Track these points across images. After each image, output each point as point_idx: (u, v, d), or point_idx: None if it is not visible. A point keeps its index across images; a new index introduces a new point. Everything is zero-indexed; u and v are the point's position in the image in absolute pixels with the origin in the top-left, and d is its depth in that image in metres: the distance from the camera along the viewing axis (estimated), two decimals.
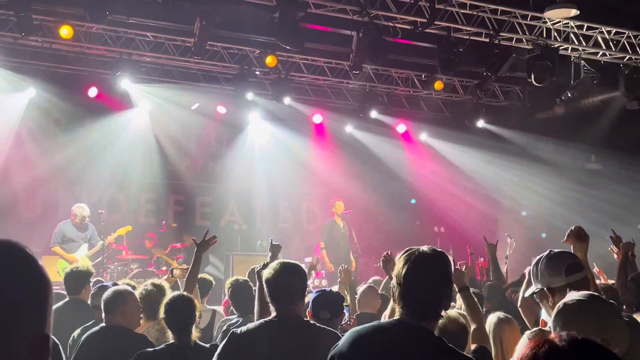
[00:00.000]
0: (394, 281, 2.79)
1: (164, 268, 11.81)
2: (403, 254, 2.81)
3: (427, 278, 2.75)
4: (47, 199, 12.83)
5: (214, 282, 6.94)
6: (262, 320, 3.76)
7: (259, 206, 14.69)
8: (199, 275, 5.70)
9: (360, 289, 6.40)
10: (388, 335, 2.73)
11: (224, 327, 5.41)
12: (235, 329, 3.75)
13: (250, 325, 3.74)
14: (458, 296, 5.62)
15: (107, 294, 4.81)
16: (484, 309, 6.76)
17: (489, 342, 4.10)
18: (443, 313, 3.87)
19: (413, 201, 14.94)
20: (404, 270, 2.73)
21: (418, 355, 2.65)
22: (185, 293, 4.51)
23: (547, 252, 3.18)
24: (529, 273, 3.18)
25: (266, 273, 3.79)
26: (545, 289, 3.04)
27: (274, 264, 3.84)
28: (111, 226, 11.58)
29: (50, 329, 1.26)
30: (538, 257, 3.15)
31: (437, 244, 12.99)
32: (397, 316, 2.77)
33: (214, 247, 5.63)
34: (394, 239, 13.84)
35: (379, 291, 6.54)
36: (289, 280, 3.75)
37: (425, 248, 2.80)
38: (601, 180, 13.13)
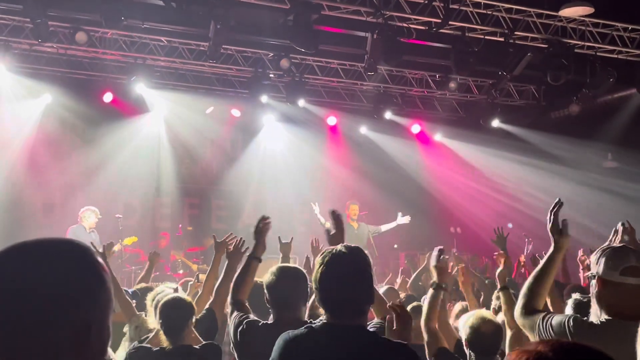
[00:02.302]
0: (312, 285, 2.80)
1: (181, 271, 11.85)
2: (319, 257, 2.81)
3: (343, 278, 2.73)
4: (64, 203, 12.89)
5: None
6: (265, 322, 3.78)
7: (275, 209, 14.68)
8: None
9: (380, 290, 6.36)
10: (320, 338, 2.72)
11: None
12: (249, 323, 3.77)
13: (259, 324, 3.76)
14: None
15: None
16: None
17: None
18: (475, 313, 3.85)
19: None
20: (319, 274, 2.74)
21: (354, 354, 2.65)
22: (181, 295, 4.43)
23: (621, 244, 3.16)
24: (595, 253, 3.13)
25: (266, 279, 3.80)
26: (597, 277, 3.00)
27: (273, 269, 3.84)
28: (127, 230, 11.61)
29: (102, 320, 1.33)
30: (608, 245, 3.11)
31: (454, 244, 12.96)
32: (322, 319, 2.78)
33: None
34: (410, 239, 13.83)
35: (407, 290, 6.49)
36: (289, 286, 3.76)
37: (339, 247, 2.79)
38: (618, 179, 13.05)
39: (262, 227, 4.34)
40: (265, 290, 3.79)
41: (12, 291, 1.24)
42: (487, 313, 3.99)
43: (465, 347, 3.93)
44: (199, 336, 4.38)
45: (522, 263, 9.85)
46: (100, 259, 1.35)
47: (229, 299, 4.09)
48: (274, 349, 2.84)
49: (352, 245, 2.84)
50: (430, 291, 4.29)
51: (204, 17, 10.02)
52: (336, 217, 3.84)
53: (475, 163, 14.82)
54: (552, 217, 3.20)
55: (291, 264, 4.60)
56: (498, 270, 4.52)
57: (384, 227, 12.26)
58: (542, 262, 3.20)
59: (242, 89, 13.15)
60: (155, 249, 12.45)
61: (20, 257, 1.29)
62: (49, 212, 12.83)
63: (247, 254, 4.80)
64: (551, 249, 3.19)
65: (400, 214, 12.17)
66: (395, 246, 13.30)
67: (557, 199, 3.22)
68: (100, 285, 1.33)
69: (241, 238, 5.00)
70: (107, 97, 12.59)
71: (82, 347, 1.28)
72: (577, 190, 13.27)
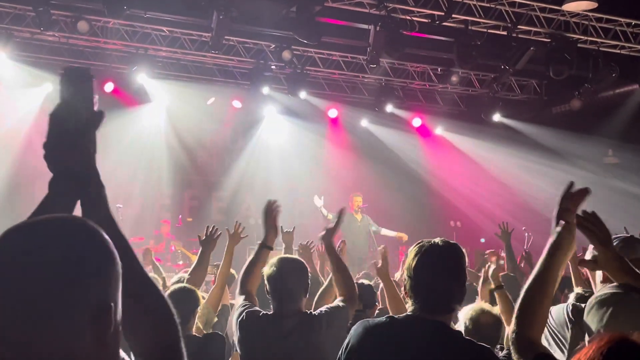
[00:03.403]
0: (404, 274, 2.75)
1: (181, 262, 11.86)
2: (415, 246, 2.76)
3: (438, 271, 2.68)
4: None
5: (236, 276, 6.92)
6: (265, 313, 3.78)
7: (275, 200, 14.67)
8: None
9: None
10: (403, 329, 2.68)
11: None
12: (251, 312, 3.78)
13: (259, 314, 3.76)
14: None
15: None
16: None
17: None
18: (474, 305, 3.84)
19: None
20: (414, 262, 2.69)
21: (435, 351, 2.60)
22: (186, 285, 4.43)
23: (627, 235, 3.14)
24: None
25: (267, 270, 3.80)
26: None
27: (273, 260, 3.84)
28: (127, 221, 11.60)
29: (116, 300, 1.27)
30: (617, 236, 3.08)
31: (454, 238, 12.91)
32: (409, 311, 2.73)
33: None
34: (409, 233, 13.82)
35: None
36: (290, 277, 3.76)
37: (437, 240, 2.75)
38: (619, 174, 13.04)
39: (270, 212, 4.27)
40: (266, 282, 3.79)
41: (24, 270, 1.18)
42: (486, 305, 3.99)
43: None
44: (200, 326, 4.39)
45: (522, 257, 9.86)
46: (102, 233, 1.29)
47: (238, 288, 4.08)
48: (351, 334, 2.78)
49: (451, 241, 2.79)
50: None
51: (206, 8, 10.00)
52: (340, 214, 4.15)
53: (476, 157, 14.81)
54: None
55: (292, 255, 4.61)
56: (490, 270, 4.49)
57: (384, 231, 12.31)
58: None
59: (243, 80, 13.12)
60: (160, 237, 12.53)
61: (30, 234, 1.23)
62: None
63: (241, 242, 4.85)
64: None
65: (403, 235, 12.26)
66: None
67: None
68: (114, 263, 1.28)
69: (214, 226, 5.15)
70: (109, 87, 12.54)
71: (103, 327, 1.23)
72: (577, 185, 13.24)
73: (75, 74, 1.58)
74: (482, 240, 13.22)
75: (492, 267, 4.42)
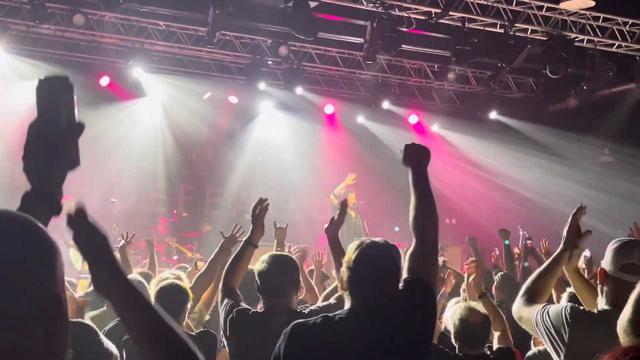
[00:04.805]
0: (343, 267, 2.78)
1: (175, 257, 11.84)
2: (355, 242, 2.82)
3: (376, 265, 2.73)
4: None
5: None
6: (255, 310, 3.76)
7: (270, 196, 14.61)
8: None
9: None
10: (343, 326, 2.67)
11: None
12: (239, 311, 3.75)
13: (249, 312, 3.74)
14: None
15: None
16: (496, 299, 6.72)
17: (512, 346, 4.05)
18: (462, 304, 3.84)
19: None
20: (354, 255, 2.73)
21: (380, 345, 2.61)
22: (176, 282, 4.39)
23: (632, 237, 3.13)
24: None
25: (258, 267, 3.77)
26: (600, 268, 2.99)
27: (265, 257, 3.82)
28: (122, 215, 11.57)
29: (62, 290, 1.23)
30: (619, 239, 3.07)
31: (449, 236, 12.95)
32: (347, 305, 2.74)
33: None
34: (405, 229, 13.81)
35: None
36: (281, 274, 3.74)
37: (377, 239, 2.83)
38: (614, 173, 13.05)
39: (260, 210, 4.27)
40: (257, 279, 3.77)
41: None
42: (474, 304, 3.98)
43: (453, 339, 3.91)
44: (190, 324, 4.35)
45: (515, 255, 9.86)
46: (40, 225, 1.23)
47: (221, 285, 4.06)
48: (288, 339, 2.71)
49: (390, 241, 2.87)
50: None
51: (203, 2, 9.98)
52: (343, 207, 4.23)
53: (472, 155, 14.80)
54: (572, 219, 3.17)
55: (284, 252, 4.59)
56: (471, 278, 4.46)
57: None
58: (548, 261, 3.18)
59: (239, 76, 13.09)
60: (156, 235, 12.49)
61: None
62: None
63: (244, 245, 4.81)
64: (559, 250, 3.17)
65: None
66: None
67: (579, 205, 3.20)
68: (57, 254, 1.22)
69: (229, 236, 5.13)
70: (104, 81, 12.52)
71: (53, 318, 1.19)
72: (573, 184, 13.27)
73: (54, 82, 1.50)
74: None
75: (473, 275, 4.40)
